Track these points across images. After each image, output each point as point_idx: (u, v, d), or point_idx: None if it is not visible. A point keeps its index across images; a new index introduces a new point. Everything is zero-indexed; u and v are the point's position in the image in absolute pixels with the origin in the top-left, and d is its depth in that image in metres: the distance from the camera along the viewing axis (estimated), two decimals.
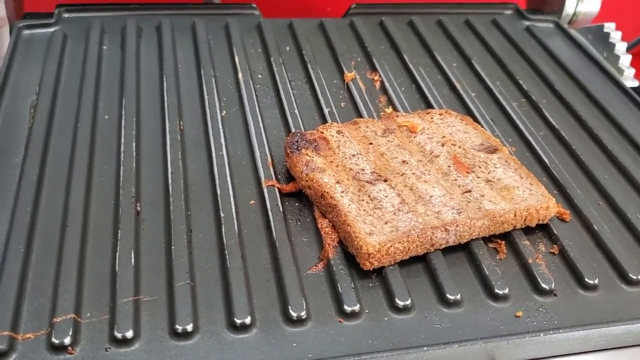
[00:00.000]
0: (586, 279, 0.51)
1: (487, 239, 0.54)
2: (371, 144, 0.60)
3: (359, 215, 0.52)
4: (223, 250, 0.51)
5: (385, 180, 0.55)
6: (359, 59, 0.77)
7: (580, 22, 0.90)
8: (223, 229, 0.52)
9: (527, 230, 0.55)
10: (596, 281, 0.51)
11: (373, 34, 0.82)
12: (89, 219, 0.53)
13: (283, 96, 0.69)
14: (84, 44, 0.74)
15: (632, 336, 0.49)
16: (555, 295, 0.50)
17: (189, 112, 0.66)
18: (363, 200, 0.53)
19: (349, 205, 0.52)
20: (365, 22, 0.84)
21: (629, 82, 0.80)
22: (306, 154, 0.57)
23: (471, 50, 0.81)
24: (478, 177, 0.57)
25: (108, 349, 0.44)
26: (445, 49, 0.81)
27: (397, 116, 0.64)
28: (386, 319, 0.47)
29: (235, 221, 0.53)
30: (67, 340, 0.43)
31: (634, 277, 0.52)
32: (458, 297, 0.49)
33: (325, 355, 0.44)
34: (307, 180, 0.55)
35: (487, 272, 0.51)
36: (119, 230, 0.51)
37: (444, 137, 0.61)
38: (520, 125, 0.68)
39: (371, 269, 0.50)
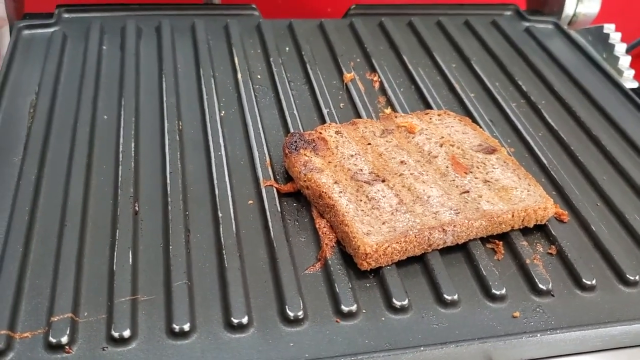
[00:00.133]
0: (584, 280, 0.51)
1: (484, 240, 0.54)
2: (369, 144, 0.60)
3: (356, 215, 0.52)
4: (221, 250, 0.51)
5: (383, 181, 0.55)
6: (358, 60, 0.77)
7: (579, 23, 0.90)
8: (221, 228, 0.52)
9: (525, 231, 0.55)
10: (594, 282, 0.51)
11: (372, 35, 0.82)
12: (87, 218, 0.53)
13: (282, 96, 0.69)
14: (83, 44, 0.74)
15: (629, 337, 0.49)
16: (553, 295, 0.50)
17: (187, 112, 0.66)
18: (361, 200, 0.53)
19: (346, 205, 0.52)
20: (365, 22, 0.84)
21: (629, 83, 0.80)
22: (304, 154, 0.57)
23: (470, 51, 0.81)
24: (476, 178, 0.57)
25: (105, 348, 0.44)
26: (445, 50, 0.81)
27: (396, 117, 0.64)
28: (383, 319, 0.47)
29: (233, 221, 0.53)
30: (64, 340, 0.43)
31: (632, 278, 0.52)
32: (455, 297, 0.49)
33: (322, 355, 0.44)
34: (305, 181, 0.55)
35: (484, 272, 0.51)
36: (117, 230, 0.51)
37: (443, 137, 0.61)
38: (519, 126, 0.68)
39: (368, 269, 0.50)
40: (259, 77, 0.73)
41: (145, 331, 0.45)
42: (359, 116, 0.68)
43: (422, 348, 0.45)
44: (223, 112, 0.66)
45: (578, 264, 0.52)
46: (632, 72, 0.81)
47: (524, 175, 0.58)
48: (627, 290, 0.52)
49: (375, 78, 0.74)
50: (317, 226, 0.54)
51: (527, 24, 0.89)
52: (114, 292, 0.47)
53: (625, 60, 0.81)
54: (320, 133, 0.60)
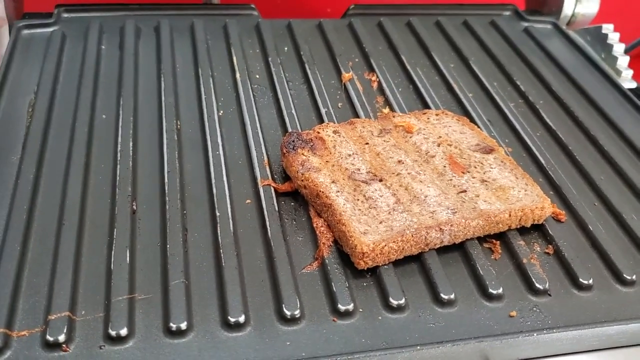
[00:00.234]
0: (581, 279, 0.51)
1: (482, 239, 0.54)
2: (367, 144, 0.60)
3: (353, 214, 0.52)
4: (218, 249, 0.51)
5: (380, 180, 0.56)
6: (357, 60, 0.77)
7: (578, 24, 0.90)
8: (218, 228, 0.52)
9: (522, 231, 0.55)
10: (591, 281, 0.51)
11: (371, 35, 0.82)
12: (85, 217, 0.53)
13: (280, 96, 0.69)
14: (82, 44, 0.74)
15: (625, 336, 0.49)
16: (550, 295, 0.50)
17: (186, 111, 0.66)
18: (358, 199, 0.53)
19: (344, 204, 0.53)
20: (364, 22, 0.84)
21: (627, 84, 0.80)
22: (302, 154, 0.57)
23: (469, 51, 0.81)
24: (473, 177, 0.57)
25: (102, 347, 0.44)
26: (443, 50, 0.81)
27: (394, 116, 0.64)
28: (380, 318, 0.48)
29: (230, 220, 0.53)
30: (61, 338, 0.43)
31: (629, 278, 0.52)
32: (452, 296, 0.49)
33: (318, 354, 0.45)
34: (302, 180, 0.55)
35: (481, 271, 0.51)
36: (115, 229, 0.51)
37: (440, 137, 0.61)
38: (517, 126, 0.68)
39: (365, 268, 0.50)
40: (257, 76, 0.73)
41: (142, 330, 0.45)
42: (357, 116, 0.68)
43: (418, 347, 0.45)
44: (221, 111, 0.66)
45: (575, 263, 0.52)
46: (630, 72, 0.81)
47: (522, 174, 0.58)
48: (624, 290, 0.52)
49: (374, 78, 0.74)
50: (315, 225, 0.54)
51: (525, 24, 0.89)
52: (112, 290, 0.47)
53: (623, 60, 0.81)
54: (318, 132, 0.60)
